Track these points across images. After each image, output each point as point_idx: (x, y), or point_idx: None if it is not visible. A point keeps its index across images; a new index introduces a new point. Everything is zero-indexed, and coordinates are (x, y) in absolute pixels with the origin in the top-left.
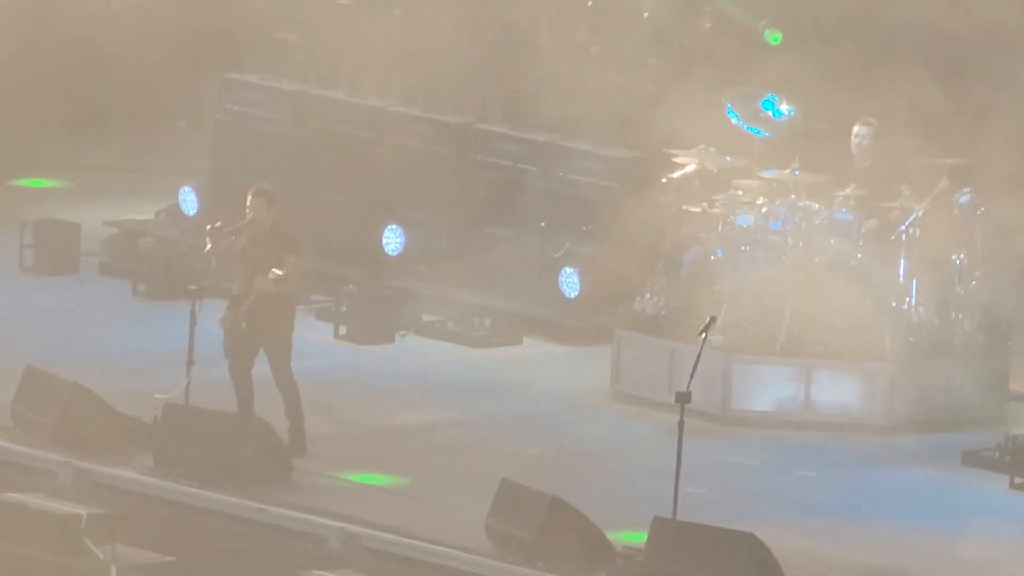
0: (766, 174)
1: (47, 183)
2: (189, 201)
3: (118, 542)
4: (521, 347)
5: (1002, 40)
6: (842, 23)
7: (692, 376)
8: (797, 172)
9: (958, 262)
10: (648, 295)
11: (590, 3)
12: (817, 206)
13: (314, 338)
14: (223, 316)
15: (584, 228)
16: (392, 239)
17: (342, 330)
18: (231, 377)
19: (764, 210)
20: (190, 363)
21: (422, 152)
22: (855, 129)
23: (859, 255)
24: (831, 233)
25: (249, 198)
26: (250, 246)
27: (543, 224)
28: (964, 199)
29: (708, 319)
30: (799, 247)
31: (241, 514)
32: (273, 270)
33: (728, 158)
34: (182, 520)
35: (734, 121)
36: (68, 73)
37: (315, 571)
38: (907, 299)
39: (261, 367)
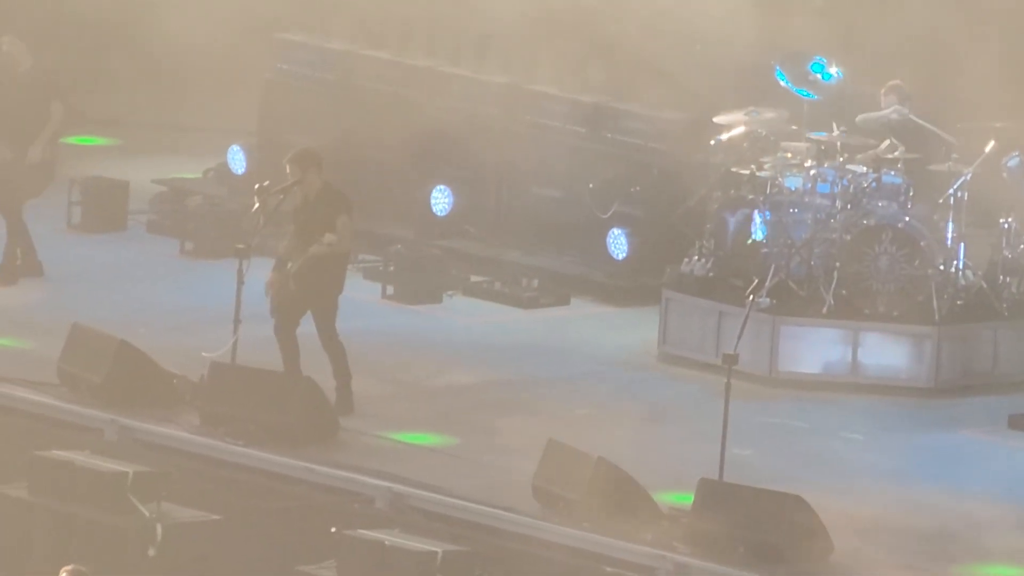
0: (815, 136)
1: (96, 140)
2: (237, 160)
3: (164, 500)
4: (569, 308)
5: None
6: None
7: (739, 338)
8: (844, 133)
9: (1006, 225)
10: (696, 257)
11: None
12: (865, 169)
13: (361, 298)
14: (270, 280)
15: (632, 189)
16: (440, 199)
17: (389, 290)
18: (276, 336)
19: (812, 172)
20: (237, 321)
21: (470, 112)
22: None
23: (907, 218)
24: (879, 196)
25: (290, 159)
26: (302, 206)
27: (591, 185)
28: (1013, 162)
29: (755, 281)
30: (847, 210)
31: (287, 473)
32: (327, 234)
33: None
34: (228, 479)
35: (783, 84)
36: (119, 30)
37: (361, 530)
38: (955, 262)
39: (306, 326)
